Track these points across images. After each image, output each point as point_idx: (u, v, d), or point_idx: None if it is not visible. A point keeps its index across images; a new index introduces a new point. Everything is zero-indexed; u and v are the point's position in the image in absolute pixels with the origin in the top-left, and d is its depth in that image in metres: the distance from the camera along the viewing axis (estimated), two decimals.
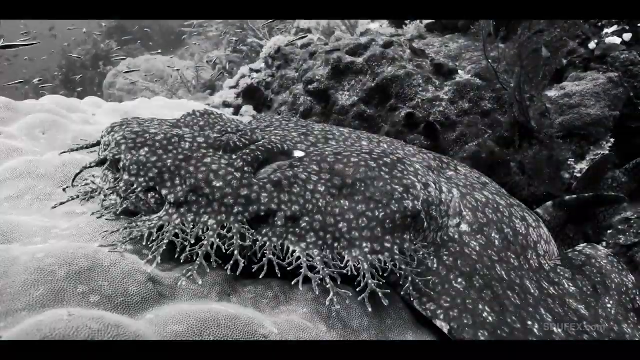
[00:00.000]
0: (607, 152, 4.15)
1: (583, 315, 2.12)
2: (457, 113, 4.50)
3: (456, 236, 2.15)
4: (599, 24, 4.56)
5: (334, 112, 4.85)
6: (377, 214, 1.81)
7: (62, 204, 2.01)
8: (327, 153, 2.08)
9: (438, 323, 1.74)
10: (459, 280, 1.89)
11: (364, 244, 1.75)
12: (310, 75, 5.08)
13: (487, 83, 4.43)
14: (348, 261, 1.71)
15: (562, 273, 2.34)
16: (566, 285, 2.27)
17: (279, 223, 1.74)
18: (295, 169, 1.95)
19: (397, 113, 4.59)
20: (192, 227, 1.68)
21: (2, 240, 1.65)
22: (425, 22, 6.47)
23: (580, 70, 4.50)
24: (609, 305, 2.24)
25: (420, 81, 4.68)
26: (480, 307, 1.80)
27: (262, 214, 1.74)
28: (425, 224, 1.97)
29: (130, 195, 1.79)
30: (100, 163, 1.95)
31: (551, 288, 2.20)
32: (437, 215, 2.08)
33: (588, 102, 4.15)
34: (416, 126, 4.53)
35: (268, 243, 1.71)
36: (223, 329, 1.29)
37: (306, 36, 6.04)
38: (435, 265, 1.93)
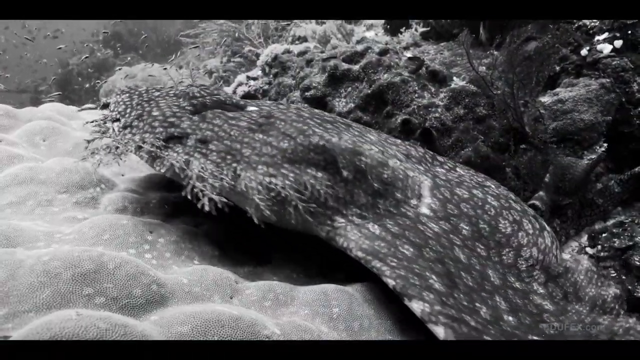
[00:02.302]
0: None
1: (547, 309, 2.10)
2: (453, 119, 4.56)
3: (409, 213, 2.20)
4: (590, 31, 4.65)
5: None
6: (282, 144, 2.02)
7: (87, 141, 2.20)
8: (276, 109, 2.33)
9: (384, 279, 1.75)
10: (406, 247, 1.94)
11: (261, 167, 1.92)
12: (307, 83, 5.13)
13: (481, 89, 4.50)
14: (242, 180, 1.87)
15: (535, 275, 2.33)
16: (535, 287, 2.26)
17: (190, 143, 2.02)
18: (234, 114, 2.22)
19: (394, 119, 4.64)
20: (126, 142, 2.01)
21: (6, 245, 1.66)
22: (420, 30, 6.56)
23: (573, 77, 4.58)
24: (577, 307, 2.22)
25: (416, 88, 4.74)
26: (428, 274, 1.82)
27: (176, 134, 2.05)
28: (346, 173, 2.05)
29: (103, 123, 2.20)
30: (104, 106, 2.66)
31: (517, 283, 2.19)
32: (368, 170, 2.14)
33: (581, 107, 4.22)
34: (412, 132, 4.57)
35: (175, 155, 1.96)
36: (227, 330, 1.31)
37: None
38: (377, 231, 1.99)
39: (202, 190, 1.82)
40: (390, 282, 1.73)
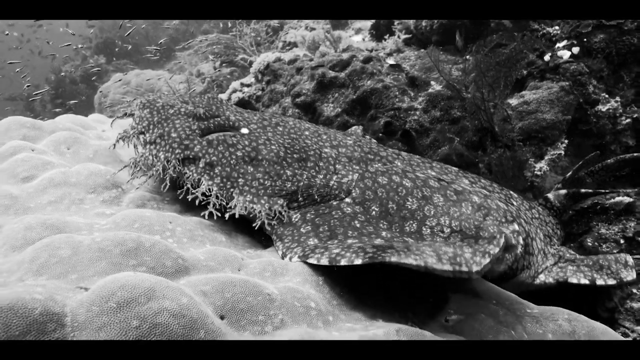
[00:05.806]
0: (562, 152, 4.69)
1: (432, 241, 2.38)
2: (430, 120, 5.02)
3: (334, 202, 2.76)
4: (553, 38, 5.13)
5: (320, 122, 5.34)
6: (266, 183, 2.73)
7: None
8: (262, 138, 2.92)
9: (278, 250, 2.47)
10: (305, 226, 2.58)
11: (248, 196, 2.65)
12: (297, 89, 5.57)
13: (455, 93, 4.96)
14: (235, 202, 2.60)
15: (442, 234, 2.54)
16: (437, 240, 2.51)
17: (201, 165, 2.69)
18: (232, 137, 2.83)
19: (377, 122, 5.10)
20: (154, 157, 2.71)
21: (57, 233, 2.08)
22: (403, 37, 7.03)
23: (538, 80, 5.06)
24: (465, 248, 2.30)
25: (397, 92, 5.20)
26: (311, 238, 2.45)
27: (191, 156, 2.69)
28: (300, 198, 2.78)
29: (131, 134, 2.85)
30: (129, 115, 3.05)
31: (412, 237, 2.50)
32: (315, 192, 2.83)
33: (544, 108, 4.69)
34: (394, 133, 5.04)
35: (190, 175, 2.67)
36: (238, 288, 1.75)
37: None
38: (295, 219, 2.66)
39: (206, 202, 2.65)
40: (278, 252, 2.47)
